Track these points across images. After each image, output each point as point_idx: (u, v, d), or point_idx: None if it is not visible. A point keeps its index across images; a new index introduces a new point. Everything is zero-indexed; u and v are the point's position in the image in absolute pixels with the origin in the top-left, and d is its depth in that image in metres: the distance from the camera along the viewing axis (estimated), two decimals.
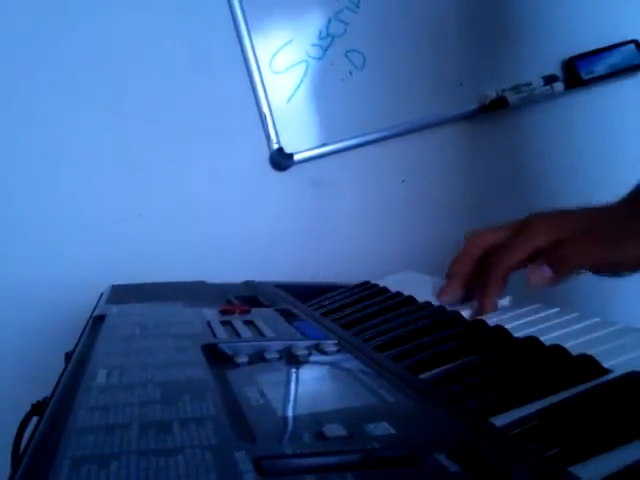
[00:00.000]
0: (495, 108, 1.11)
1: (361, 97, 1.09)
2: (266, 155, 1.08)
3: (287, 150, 1.07)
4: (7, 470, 0.33)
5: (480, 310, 0.53)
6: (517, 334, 0.45)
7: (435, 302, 0.57)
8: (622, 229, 0.53)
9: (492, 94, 1.11)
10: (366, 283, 0.70)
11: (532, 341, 0.43)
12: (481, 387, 0.37)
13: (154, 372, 0.36)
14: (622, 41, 1.13)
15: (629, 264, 0.53)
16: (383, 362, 0.41)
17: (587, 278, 0.54)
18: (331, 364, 0.41)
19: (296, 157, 1.07)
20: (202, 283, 0.75)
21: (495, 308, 0.53)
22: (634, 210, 0.55)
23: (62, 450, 0.25)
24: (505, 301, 0.56)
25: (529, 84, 1.12)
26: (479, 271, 0.56)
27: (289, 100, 1.07)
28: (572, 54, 1.13)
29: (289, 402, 0.33)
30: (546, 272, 0.51)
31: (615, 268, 0.54)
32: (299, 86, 1.07)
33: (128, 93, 1.03)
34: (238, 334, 0.47)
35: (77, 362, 0.39)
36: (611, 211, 0.56)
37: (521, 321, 0.50)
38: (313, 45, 1.07)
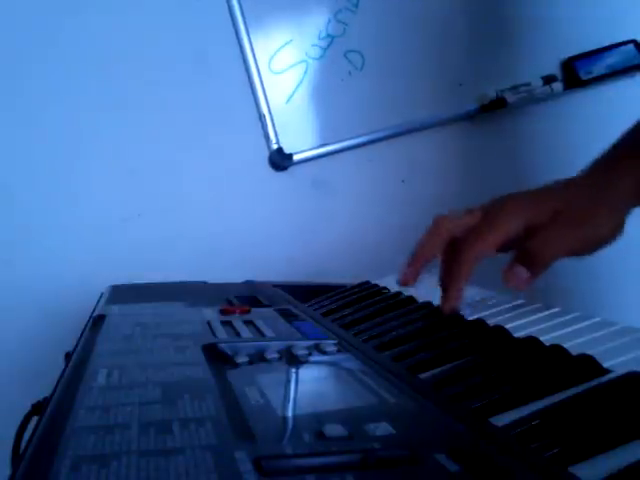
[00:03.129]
0: (494, 108, 1.11)
1: (360, 97, 1.09)
2: (265, 155, 1.08)
3: (286, 150, 1.07)
4: (7, 470, 0.33)
5: (444, 300, 0.51)
6: (517, 334, 0.45)
7: (436, 302, 0.57)
8: (591, 204, 0.51)
9: (491, 94, 1.11)
10: (366, 283, 0.71)
11: (532, 341, 0.43)
12: (481, 387, 0.37)
13: (154, 372, 0.36)
14: (621, 41, 1.13)
15: (603, 240, 0.51)
16: (383, 362, 0.41)
17: (588, 279, 0.54)
18: (331, 364, 0.41)
19: (295, 157, 1.07)
20: (202, 283, 0.75)
21: (459, 299, 0.50)
22: (600, 178, 0.53)
23: (62, 450, 0.25)
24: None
25: (528, 84, 1.12)
26: (448, 257, 0.53)
27: (288, 100, 1.07)
28: (571, 54, 1.13)
29: (289, 402, 0.33)
30: (521, 274, 0.49)
31: (591, 248, 0.51)
32: (298, 86, 1.07)
33: (127, 93, 1.03)
34: (238, 334, 0.47)
35: (77, 362, 0.39)
36: (579, 184, 0.53)
37: (521, 321, 0.51)
38: (312, 45, 1.07)
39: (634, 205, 0.52)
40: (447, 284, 0.51)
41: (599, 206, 0.51)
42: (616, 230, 0.51)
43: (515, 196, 0.53)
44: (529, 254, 0.49)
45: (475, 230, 0.51)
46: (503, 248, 0.52)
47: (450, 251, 0.53)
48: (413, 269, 0.53)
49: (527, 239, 0.50)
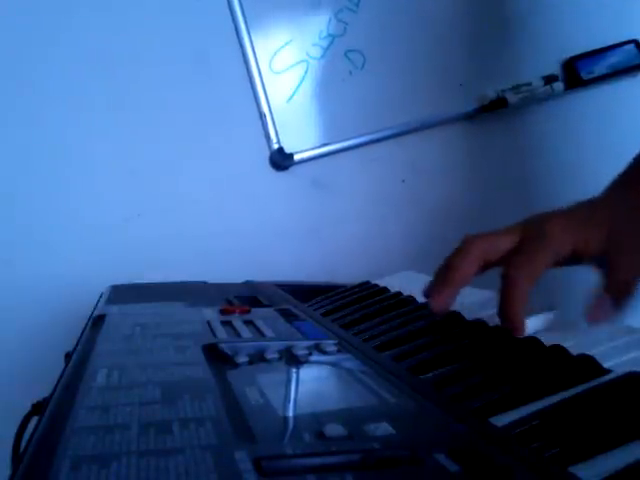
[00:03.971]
0: (495, 108, 1.11)
1: (361, 97, 1.09)
2: (266, 155, 1.08)
3: (287, 150, 1.07)
4: (7, 470, 0.33)
5: (513, 330, 0.45)
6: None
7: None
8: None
9: (492, 94, 1.11)
10: (366, 283, 0.70)
11: (532, 341, 0.43)
12: (481, 387, 0.37)
13: (154, 372, 0.36)
14: (622, 41, 1.13)
15: None
16: (383, 362, 0.41)
17: (588, 278, 0.54)
18: (331, 364, 0.41)
19: (296, 157, 1.07)
20: (202, 283, 0.75)
21: (524, 324, 0.45)
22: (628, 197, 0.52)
23: (62, 450, 0.25)
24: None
25: (529, 84, 1.12)
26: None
27: (289, 100, 1.07)
28: (572, 54, 1.13)
29: (289, 402, 0.33)
30: (610, 308, 0.46)
31: None
32: (299, 86, 1.07)
33: (128, 93, 1.03)
34: (238, 334, 0.47)
35: (77, 362, 0.39)
36: (609, 204, 0.52)
37: None
38: (313, 45, 1.07)
39: None
40: (508, 316, 0.46)
41: None
42: None
43: (557, 218, 0.50)
44: (620, 284, 0.47)
45: (524, 255, 0.47)
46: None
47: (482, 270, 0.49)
48: (448, 294, 0.47)
49: (609, 271, 0.48)
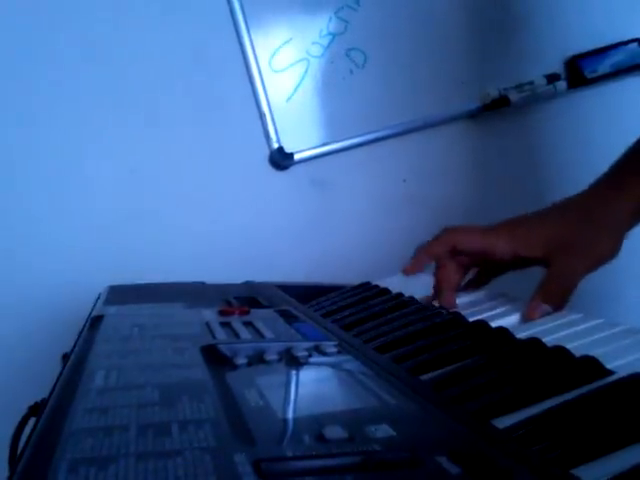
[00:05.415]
0: (497, 107, 1.11)
1: (362, 96, 1.09)
2: (266, 154, 1.08)
3: (287, 149, 1.07)
4: (5, 472, 0.33)
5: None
6: (519, 335, 0.45)
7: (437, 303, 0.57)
8: (592, 232, 0.54)
9: (494, 93, 1.11)
10: (367, 284, 0.70)
11: (534, 342, 0.42)
12: (483, 389, 0.36)
13: (152, 373, 0.36)
14: (625, 40, 1.13)
15: (605, 261, 0.54)
16: (384, 364, 0.41)
17: (589, 279, 0.54)
18: (331, 365, 0.40)
19: (296, 156, 1.07)
20: (201, 284, 0.75)
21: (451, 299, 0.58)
22: (600, 201, 0.55)
23: (59, 452, 0.25)
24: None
25: (531, 83, 1.12)
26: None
27: (289, 99, 1.07)
28: (575, 53, 1.12)
29: (289, 404, 0.32)
30: (544, 309, 0.52)
31: (594, 269, 0.55)
32: (299, 85, 1.07)
33: (127, 92, 1.02)
34: (237, 335, 0.46)
35: (75, 363, 0.38)
36: (578, 209, 0.56)
37: (524, 322, 0.50)
38: (313, 43, 1.07)
39: (634, 224, 0.55)
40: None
41: (600, 233, 0.54)
42: (616, 250, 0.54)
43: (513, 223, 0.58)
44: (552, 294, 0.52)
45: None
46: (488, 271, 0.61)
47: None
48: (417, 262, 0.61)
49: (545, 278, 0.54)
